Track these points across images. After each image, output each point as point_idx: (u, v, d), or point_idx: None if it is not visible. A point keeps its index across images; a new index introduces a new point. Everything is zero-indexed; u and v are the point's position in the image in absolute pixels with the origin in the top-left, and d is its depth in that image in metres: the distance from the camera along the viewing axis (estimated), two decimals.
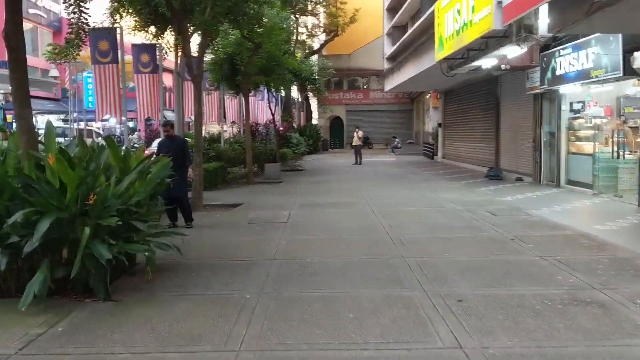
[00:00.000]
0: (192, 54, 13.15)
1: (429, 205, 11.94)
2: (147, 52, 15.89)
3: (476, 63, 14.29)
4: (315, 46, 44.62)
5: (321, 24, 44.19)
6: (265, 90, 23.79)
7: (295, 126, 38.54)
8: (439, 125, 28.85)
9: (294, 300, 5.36)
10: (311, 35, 44.07)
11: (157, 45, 15.65)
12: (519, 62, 14.80)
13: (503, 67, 14.90)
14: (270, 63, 17.84)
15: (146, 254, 5.68)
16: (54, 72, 30.52)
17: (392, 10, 30.93)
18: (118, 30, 13.71)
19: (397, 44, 25.40)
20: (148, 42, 15.33)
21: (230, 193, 14.84)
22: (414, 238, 8.33)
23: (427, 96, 40.33)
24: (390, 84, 30.42)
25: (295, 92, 45.59)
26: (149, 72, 15.86)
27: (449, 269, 6.43)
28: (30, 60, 9.46)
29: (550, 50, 14.09)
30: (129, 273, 6.25)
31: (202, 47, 12.74)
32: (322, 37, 45.26)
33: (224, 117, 25.45)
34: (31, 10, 31.78)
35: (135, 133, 33.97)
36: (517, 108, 18.13)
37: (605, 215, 10.33)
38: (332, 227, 9.45)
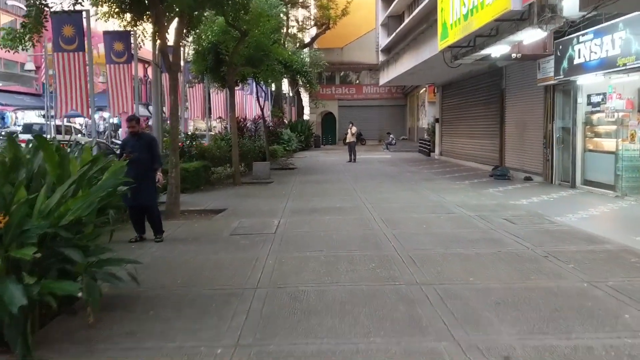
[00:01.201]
0: (172, 43, 11.72)
1: (435, 211, 10.56)
2: (121, 41, 14.43)
3: (485, 51, 12.92)
4: (307, 40, 43.18)
5: (312, 17, 42.81)
6: (254, 84, 22.32)
7: (287, 122, 37.07)
8: (436, 120, 27.49)
9: (282, 358, 3.96)
10: (302, 29, 42.66)
11: (132, 32, 14.18)
12: (532, 50, 13.51)
13: (514, 55, 13.59)
14: (258, 53, 16.38)
15: (79, 294, 4.22)
16: (29, 65, 28.81)
17: None
18: (85, 14, 12.21)
19: (393, 34, 23.99)
20: (122, 29, 13.87)
21: (213, 196, 13.40)
22: (426, 255, 6.94)
23: (422, 91, 39.04)
24: (386, 77, 29.01)
25: (286, 87, 44.17)
26: (123, 63, 14.40)
27: (479, 303, 5.05)
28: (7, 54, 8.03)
29: (567, 37, 12.73)
30: (68, 312, 4.81)
31: (179, 34, 11.25)
32: (313, 31, 43.85)
33: (209, 112, 23.97)
34: (10, 2, 30.03)
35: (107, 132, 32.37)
36: (524, 102, 16.79)
37: None
38: (328, 239, 8.05)
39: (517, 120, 17.33)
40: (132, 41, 14.35)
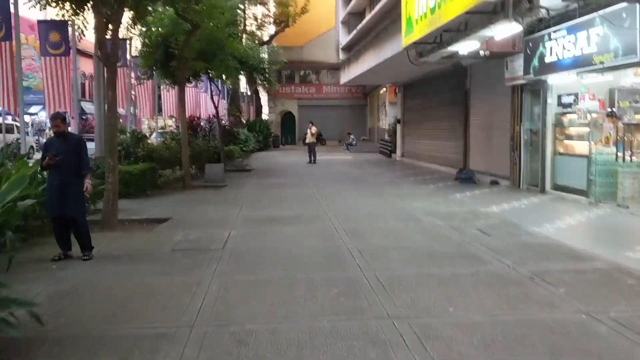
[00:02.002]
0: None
1: (403, 219, 9.68)
2: (58, 31, 13.04)
3: (453, 48, 12.18)
4: (265, 38, 42.02)
5: (271, 14, 41.72)
6: (208, 80, 21.09)
7: (244, 121, 35.83)
8: (398, 121, 26.81)
9: None
10: (261, 26, 41.52)
11: (70, 22, 12.82)
12: (500, 47, 12.88)
13: (482, 53, 12.94)
14: (211, 47, 15.22)
15: None
16: None
17: None
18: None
19: (354, 31, 23.18)
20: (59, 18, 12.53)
21: (159, 202, 12.19)
22: (397, 277, 6.01)
23: (382, 91, 38.44)
24: (347, 76, 28.17)
25: (244, 85, 42.87)
26: (60, 55, 13.02)
27: (465, 345, 4.13)
28: None
29: (538, 34, 12.08)
30: None
31: (117, 21, 10.02)
32: (272, 29, 42.75)
33: (159, 110, 22.60)
34: None
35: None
36: (490, 102, 16.16)
37: (628, 236, 8.38)
38: (285, 256, 7.03)
39: (483, 122, 16.71)
40: (69, 31, 12.98)
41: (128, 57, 17.45)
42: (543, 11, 8.34)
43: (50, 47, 12.95)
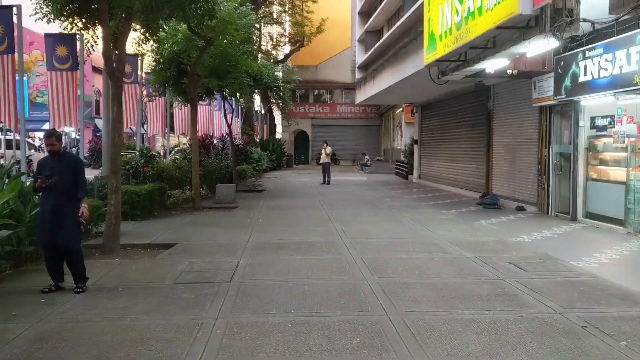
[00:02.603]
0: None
1: (427, 250, 8.89)
2: (65, 44, 12.54)
3: (479, 65, 11.47)
4: (280, 57, 41.71)
5: (286, 34, 41.55)
6: (222, 98, 20.54)
7: (258, 140, 35.31)
8: (415, 142, 26.06)
9: None
10: (276, 46, 41.33)
11: (78, 35, 12.34)
12: (529, 66, 12.15)
13: (509, 72, 12.19)
14: (223, 63, 14.65)
15: None
16: None
17: (365, 13, 28.14)
18: (15, 10, 10.38)
19: (372, 50, 22.58)
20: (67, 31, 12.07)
21: (166, 225, 11.52)
22: (428, 322, 5.22)
23: (398, 111, 37.83)
24: (362, 95, 27.55)
25: (258, 104, 42.47)
26: (67, 70, 12.50)
27: None
28: None
29: (571, 52, 11.34)
30: None
31: (124, 35, 9.46)
32: (287, 49, 42.54)
33: (172, 128, 22.12)
34: None
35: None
36: (516, 123, 15.39)
37: None
38: (299, 292, 6.28)
39: (507, 144, 15.92)
40: (77, 45, 12.49)
41: (141, 73, 16.97)
42: (585, 25, 7.61)
43: (56, 61, 12.44)
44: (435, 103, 22.63)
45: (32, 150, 29.06)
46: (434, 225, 11.55)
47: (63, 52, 12.50)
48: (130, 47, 14.92)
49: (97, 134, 35.39)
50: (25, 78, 13.19)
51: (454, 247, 9.02)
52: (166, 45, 14.82)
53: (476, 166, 18.27)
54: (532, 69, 12.26)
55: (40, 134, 40.94)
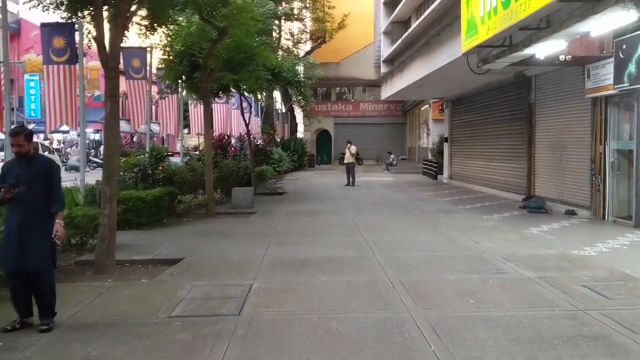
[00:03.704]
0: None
1: (477, 268, 7.42)
2: (62, 35, 11.35)
3: (528, 50, 9.93)
4: (301, 54, 40.38)
5: (307, 30, 40.24)
6: (240, 96, 19.27)
7: (278, 140, 34.03)
8: (445, 140, 24.46)
9: None
10: (297, 42, 40.07)
11: (77, 23, 11.17)
12: (585, 50, 10.57)
13: (562, 57, 10.65)
14: (238, 55, 13.34)
15: None
16: None
17: (390, 3, 26.60)
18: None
19: (399, 41, 21.06)
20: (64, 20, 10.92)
21: (175, 234, 10.25)
22: None
23: (424, 108, 36.22)
24: (389, 90, 26.07)
25: (279, 103, 41.22)
26: (64, 63, 11.30)
27: None
28: None
29: (636, 34, 9.76)
30: None
31: (119, 18, 8.16)
32: (309, 45, 41.23)
33: (187, 127, 20.93)
34: None
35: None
36: (562, 117, 13.78)
37: None
38: (324, 336, 4.87)
39: (553, 140, 14.30)
40: (76, 35, 11.30)
41: (152, 69, 15.79)
42: None
43: (53, 53, 11.26)
44: (467, 97, 21.02)
45: (46, 152, 28.29)
46: (477, 234, 10.06)
47: (60, 43, 11.30)
48: (137, 39, 13.73)
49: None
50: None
51: (509, 264, 7.54)
52: (177, 38, 13.61)
53: (515, 165, 16.67)
54: (589, 53, 10.70)
55: (58, 136, 40.42)
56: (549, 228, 10.82)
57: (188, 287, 6.49)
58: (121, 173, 13.34)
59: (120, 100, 16.30)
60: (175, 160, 18.60)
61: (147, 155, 13.95)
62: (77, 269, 7.90)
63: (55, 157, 27.14)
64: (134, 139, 33.31)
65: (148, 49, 14.63)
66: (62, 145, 40.84)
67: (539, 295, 6.06)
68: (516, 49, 10.12)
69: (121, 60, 14.25)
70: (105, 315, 5.52)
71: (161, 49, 14.09)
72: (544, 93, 14.81)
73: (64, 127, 16.33)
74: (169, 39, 13.62)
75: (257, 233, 10.48)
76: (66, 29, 11.33)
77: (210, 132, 21.27)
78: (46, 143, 32.37)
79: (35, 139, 18.62)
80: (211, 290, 6.36)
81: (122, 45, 15.11)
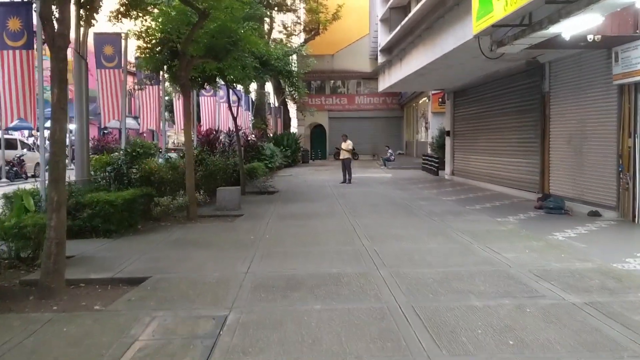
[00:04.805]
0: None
1: (506, 289, 6.05)
2: (18, 16, 9.92)
3: (554, 29, 8.54)
4: (294, 47, 38.94)
5: (301, 21, 38.86)
6: (227, 87, 17.85)
7: (271, 135, 32.63)
8: (447, 133, 23.10)
9: None
10: (290, 34, 38.64)
11: (34, 2, 9.77)
12: (616, 29, 9.24)
13: (590, 37, 9.29)
14: (221, 40, 11.92)
15: None
16: None
17: None
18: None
19: (397, 28, 19.64)
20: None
21: (146, 245, 8.85)
22: None
23: (422, 100, 34.91)
24: (387, 82, 24.65)
25: (272, 96, 39.76)
26: (20, 48, 9.87)
27: None
28: None
29: None
30: None
31: None
32: (302, 38, 39.80)
33: (171, 121, 19.48)
34: None
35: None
36: (582, 107, 12.43)
37: None
38: None
39: (571, 133, 12.94)
40: (33, 16, 9.87)
41: (128, 57, 14.34)
42: None
43: (8, 37, 9.82)
44: (471, 88, 19.64)
45: (25, 150, 26.71)
46: (495, 241, 8.71)
47: (16, 25, 9.86)
48: (107, 25, 12.32)
49: (105, 132, 32.87)
50: None
51: (544, 283, 6.19)
52: (153, 24, 12.23)
53: (526, 160, 15.33)
54: (621, 32, 9.34)
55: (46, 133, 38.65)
56: (575, 233, 9.47)
57: (146, 321, 5.11)
58: (92, 173, 11.98)
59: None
60: (173, 156, 17.25)
61: (122, 152, 12.54)
62: (21, 290, 6.55)
63: (34, 154, 25.65)
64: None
65: (123, 34, 13.17)
66: (35, 141, 39.07)
67: (596, 331, 4.71)
68: (539, 27, 8.72)
69: (92, 47, 12.96)
70: None
71: (138, 36, 12.66)
72: (560, 81, 13.44)
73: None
74: (145, 24, 12.28)
75: (241, 242, 9.08)
76: (22, 9, 9.94)
77: (197, 127, 20.01)
78: (30, 141, 30.68)
79: (17, 135, 17.05)
80: (175, 326, 4.97)
81: (96, 31, 13.64)
